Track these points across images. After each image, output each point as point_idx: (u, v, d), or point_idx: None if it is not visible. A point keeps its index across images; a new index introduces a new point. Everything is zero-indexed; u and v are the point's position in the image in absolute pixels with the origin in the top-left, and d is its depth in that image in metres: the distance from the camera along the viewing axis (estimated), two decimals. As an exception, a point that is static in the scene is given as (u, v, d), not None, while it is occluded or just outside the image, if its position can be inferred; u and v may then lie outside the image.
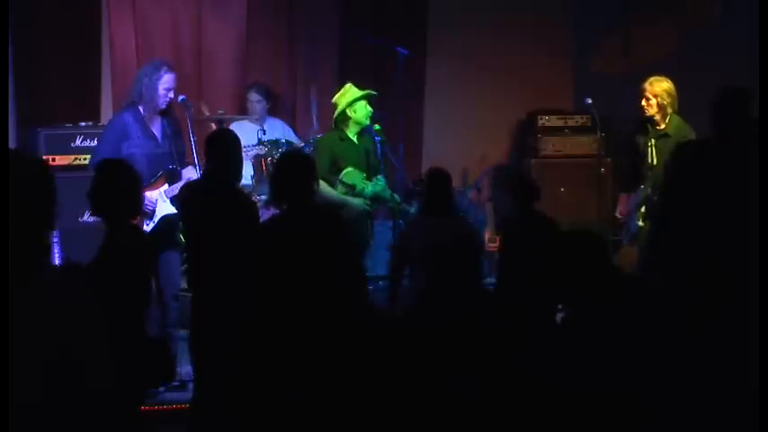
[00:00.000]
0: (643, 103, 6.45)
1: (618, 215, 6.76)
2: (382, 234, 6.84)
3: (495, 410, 3.65)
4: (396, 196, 6.63)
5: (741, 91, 5.08)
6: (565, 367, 3.42)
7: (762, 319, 4.00)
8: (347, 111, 6.58)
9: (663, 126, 6.45)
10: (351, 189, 6.44)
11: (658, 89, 6.43)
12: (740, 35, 7.57)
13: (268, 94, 7.80)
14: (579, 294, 3.55)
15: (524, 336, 3.92)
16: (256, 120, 7.60)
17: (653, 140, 6.40)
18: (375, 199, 6.49)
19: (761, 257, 4.23)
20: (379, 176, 6.54)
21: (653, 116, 6.44)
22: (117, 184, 4.24)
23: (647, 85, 6.45)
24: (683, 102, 6.57)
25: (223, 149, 5.09)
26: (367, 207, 6.45)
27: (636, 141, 6.60)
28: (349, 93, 6.61)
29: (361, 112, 6.57)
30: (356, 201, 6.43)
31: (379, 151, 6.59)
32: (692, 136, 6.27)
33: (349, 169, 6.47)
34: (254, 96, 7.73)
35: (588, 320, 3.49)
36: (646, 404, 3.35)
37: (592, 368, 3.38)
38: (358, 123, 6.60)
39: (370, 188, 6.45)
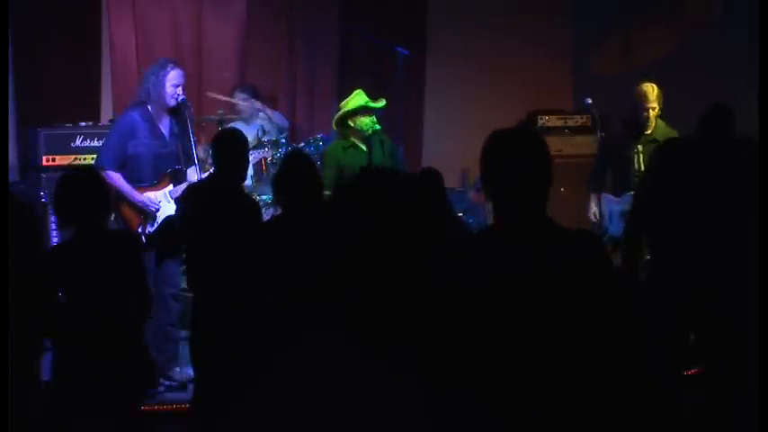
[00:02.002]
0: (646, 113, 6.30)
1: (592, 217, 6.58)
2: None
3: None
4: None
5: (726, 109, 4.93)
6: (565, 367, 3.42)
7: (762, 319, 4.00)
8: (348, 120, 6.37)
9: (650, 131, 6.35)
10: None
11: (657, 95, 6.33)
12: (740, 36, 7.57)
13: (255, 92, 7.81)
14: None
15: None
16: (248, 119, 7.59)
17: (641, 147, 6.30)
18: None
19: (759, 255, 4.24)
20: None
21: (650, 122, 6.35)
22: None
23: (649, 95, 6.28)
24: (683, 103, 6.55)
25: (228, 150, 5.06)
26: None
27: (616, 144, 6.52)
28: (353, 101, 6.34)
29: (363, 122, 6.32)
30: None
31: (388, 153, 6.41)
32: None
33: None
34: (239, 96, 7.75)
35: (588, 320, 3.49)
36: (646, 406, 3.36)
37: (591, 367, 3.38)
38: (360, 132, 6.36)
39: None
